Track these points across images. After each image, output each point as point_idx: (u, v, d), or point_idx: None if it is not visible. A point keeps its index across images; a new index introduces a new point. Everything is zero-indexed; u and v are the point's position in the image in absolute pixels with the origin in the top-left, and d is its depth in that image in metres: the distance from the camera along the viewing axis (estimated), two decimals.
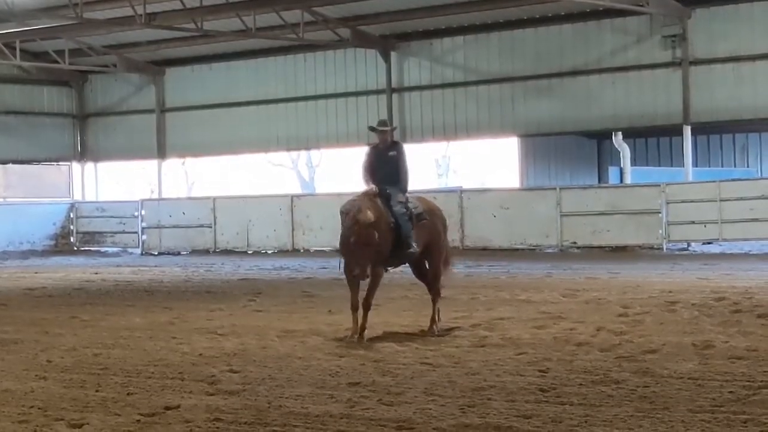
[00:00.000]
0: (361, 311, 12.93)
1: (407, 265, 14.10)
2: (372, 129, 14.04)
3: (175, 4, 32.72)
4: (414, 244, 13.28)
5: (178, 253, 37.30)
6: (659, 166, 43.42)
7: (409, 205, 13.40)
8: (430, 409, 8.60)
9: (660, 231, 30.24)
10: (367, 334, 12.82)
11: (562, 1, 32.14)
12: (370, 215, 12.69)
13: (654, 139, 44.84)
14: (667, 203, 30.17)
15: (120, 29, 36.32)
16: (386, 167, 13.59)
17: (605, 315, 14.64)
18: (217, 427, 8.16)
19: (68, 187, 43.57)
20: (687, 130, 32.62)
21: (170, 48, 39.56)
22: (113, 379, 10.37)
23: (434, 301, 13.62)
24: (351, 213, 12.89)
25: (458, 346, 12.07)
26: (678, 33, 32.03)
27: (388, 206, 13.25)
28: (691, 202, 29.92)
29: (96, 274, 27.00)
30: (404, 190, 13.60)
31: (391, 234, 13.15)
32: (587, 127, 36.34)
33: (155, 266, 30.05)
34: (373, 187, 13.40)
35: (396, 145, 13.97)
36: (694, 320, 13.81)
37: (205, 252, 36.76)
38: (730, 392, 8.94)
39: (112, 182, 53.54)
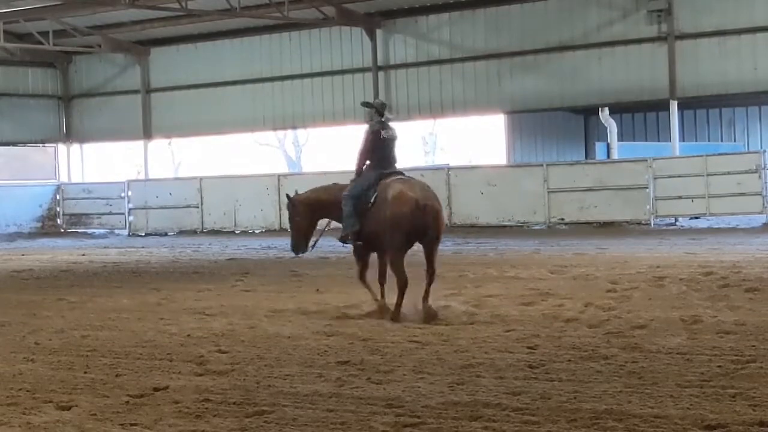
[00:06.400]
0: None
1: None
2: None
3: None
4: (346, 230, 13.14)
5: (165, 234, 37.26)
6: (646, 141, 43.37)
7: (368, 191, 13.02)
8: (419, 387, 8.60)
9: (647, 206, 30.28)
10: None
11: None
12: None
13: (641, 114, 44.79)
14: (654, 178, 30.20)
15: (104, 9, 36.16)
16: None
17: (593, 291, 14.63)
18: (206, 408, 8.13)
19: (54, 169, 43.45)
20: (673, 105, 32.64)
21: (155, 28, 39.40)
22: (101, 361, 10.34)
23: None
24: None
25: (447, 323, 12.05)
26: (663, 7, 32.01)
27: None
28: (679, 176, 29.95)
29: (83, 255, 26.94)
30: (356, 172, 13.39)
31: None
32: (574, 103, 36.30)
33: (142, 247, 30.00)
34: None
35: None
36: (682, 295, 13.82)
37: (193, 232, 36.72)
38: (719, 366, 8.94)
39: (101, 163, 53.38)
